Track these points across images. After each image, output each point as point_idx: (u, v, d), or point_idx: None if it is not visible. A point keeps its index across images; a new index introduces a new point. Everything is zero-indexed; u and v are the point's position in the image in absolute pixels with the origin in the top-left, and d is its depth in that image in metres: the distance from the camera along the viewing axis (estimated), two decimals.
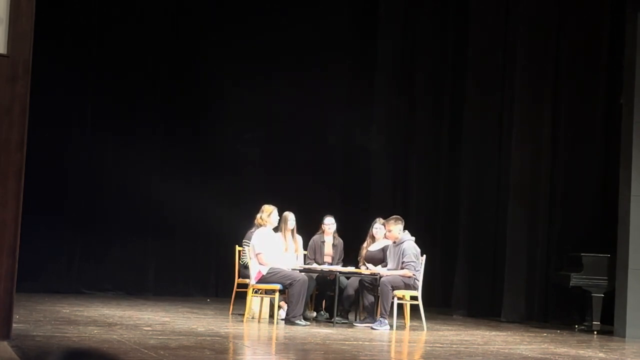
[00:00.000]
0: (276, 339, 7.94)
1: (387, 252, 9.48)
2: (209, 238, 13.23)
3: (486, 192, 11.96)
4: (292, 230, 9.85)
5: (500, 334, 9.25)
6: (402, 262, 9.17)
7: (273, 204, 9.40)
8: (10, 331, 6.00)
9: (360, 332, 8.61)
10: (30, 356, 5.39)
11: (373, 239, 9.85)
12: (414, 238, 9.39)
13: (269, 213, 9.27)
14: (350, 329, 8.89)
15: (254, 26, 13.45)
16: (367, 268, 9.59)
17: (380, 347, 7.63)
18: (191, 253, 13.17)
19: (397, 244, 9.32)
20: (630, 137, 9.69)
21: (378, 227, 9.79)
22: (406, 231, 9.39)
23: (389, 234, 9.38)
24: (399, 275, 9.12)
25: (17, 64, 6.00)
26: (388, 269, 9.31)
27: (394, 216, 9.52)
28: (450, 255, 12.33)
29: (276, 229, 9.49)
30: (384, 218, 9.81)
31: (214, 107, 13.33)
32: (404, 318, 9.49)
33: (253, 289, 9.22)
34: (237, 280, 9.94)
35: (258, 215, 9.37)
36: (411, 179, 13.44)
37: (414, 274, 9.17)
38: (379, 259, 9.63)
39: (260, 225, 9.27)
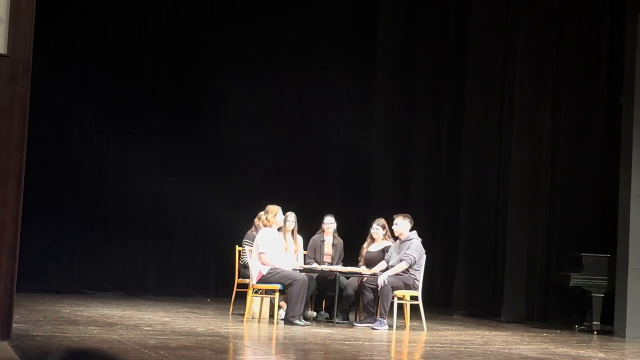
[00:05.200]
0: (276, 339, 7.94)
1: (390, 250, 9.47)
2: (209, 238, 13.25)
3: (486, 192, 11.96)
4: (293, 231, 9.85)
5: (500, 334, 9.24)
6: (405, 254, 9.16)
7: (274, 204, 9.38)
8: (10, 331, 6.00)
9: (360, 332, 8.60)
10: (30, 356, 5.39)
11: (373, 239, 9.85)
12: (421, 239, 9.38)
13: (274, 214, 9.21)
14: (350, 329, 8.89)
15: (254, 27, 13.46)
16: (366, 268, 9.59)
17: (380, 347, 7.63)
18: (191, 253, 13.18)
19: (403, 240, 9.33)
20: (630, 137, 9.68)
21: (376, 228, 9.78)
22: (414, 231, 9.40)
23: (395, 227, 9.40)
24: (397, 274, 9.10)
25: (17, 64, 6.01)
26: (390, 265, 9.30)
27: (405, 213, 9.54)
28: (450, 255, 12.33)
29: (279, 229, 9.46)
30: (385, 218, 9.83)
31: (214, 108, 13.35)
32: (404, 318, 9.49)
33: (253, 289, 9.22)
34: (237, 280, 9.94)
35: (263, 217, 9.29)
36: (411, 179, 13.44)
37: (410, 264, 9.12)
38: (379, 259, 9.62)
39: (264, 226, 9.22)
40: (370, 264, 9.68)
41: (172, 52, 13.24)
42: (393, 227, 9.48)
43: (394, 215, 9.54)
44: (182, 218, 13.05)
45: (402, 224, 9.36)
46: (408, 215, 9.52)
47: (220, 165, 13.39)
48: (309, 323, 9.07)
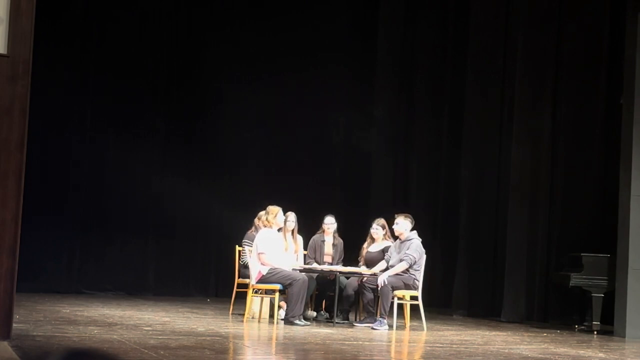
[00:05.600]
0: (276, 339, 7.94)
1: (390, 249, 9.46)
2: (209, 238, 13.24)
3: (486, 192, 11.96)
4: (293, 231, 9.84)
5: (500, 334, 9.24)
6: (405, 254, 9.15)
7: (273, 204, 9.37)
8: (10, 331, 6.00)
9: (360, 332, 8.60)
10: (30, 356, 5.39)
11: (373, 239, 9.85)
12: (421, 239, 9.38)
13: (274, 214, 9.20)
14: (350, 329, 8.89)
15: (254, 27, 13.46)
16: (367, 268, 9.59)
17: (380, 347, 7.63)
18: (191, 253, 13.18)
19: (403, 240, 9.33)
20: (630, 137, 9.68)
21: (376, 228, 9.78)
22: (414, 231, 9.40)
23: (395, 227, 9.40)
24: (397, 274, 9.10)
25: (17, 64, 6.01)
26: (390, 265, 9.30)
27: (406, 213, 9.54)
28: (450, 255, 12.33)
29: (279, 230, 9.45)
30: (385, 218, 9.83)
31: (214, 108, 13.35)
32: (404, 318, 9.49)
33: (253, 289, 9.22)
34: (237, 280, 9.94)
35: (263, 217, 9.28)
36: (411, 179, 13.44)
37: (410, 264, 9.12)
38: (379, 259, 9.62)
39: (264, 226, 9.21)
40: (370, 264, 9.68)
41: (172, 52, 13.24)
42: (394, 227, 9.48)
43: (395, 215, 9.54)
44: (182, 218, 13.04)
45: (403, 224, 9.36)
46: (409, 215, 9.52)
47: (220, 165, 13.39)
48: (309, 323, 9.07)
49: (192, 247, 13.18)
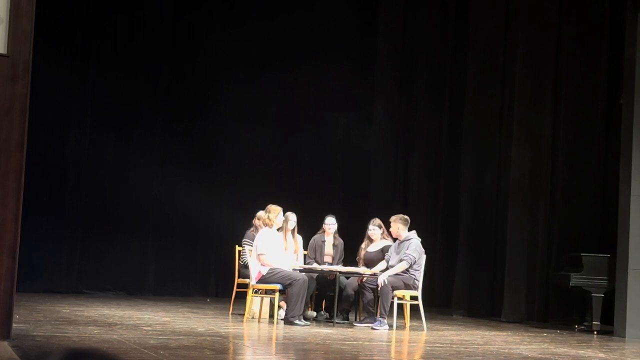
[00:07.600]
0: (276, 339, 7.93)
1: (390, 249, 9.46)
2: (209, 238, 13.25)
3: (486, 192, 11.96)
4: (293, 230, 9.84)
5: (500, 334, 9.24)
6: (404, 254, 9.15)
7: (274, 204, 9.35)
8: (10, 331, 6.00)
9: (360, 332, 8.60)
10: (30, 356, 5.39)
11: (371, 240, 9.85)
12: (420, 239, 9.38)
13: (276, 214, 9.18)
14: (350, 329, 8.88)
15: (254, 27, 13.46)
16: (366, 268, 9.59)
17: (380, 347, 7.63)
18: (191, 253, 13.18)
19: (402, 240, 9.33)
20: (630, 137, 9.68)
21: (372, 229, 9.78)
22: (413, 231, 9.40)
23: (391, 229, 9.41)
24: (397, 274, 9.10)
25: (17, 64, 6.01)
26: (390, 265, 9.30)
27: (402, 215, 9.54)
28: (451, 255, 12.33)
29: (278, 229, 9.45)
30: (384, 218, 9.83)
31: (214, 108, 13.36)
32: (404, 318, 9.49)
33: (253, 289, 9.22)
34: (237, 280, 9.94)
35: (264, 215, 9.25)
36: (411, 179, 13.45)
37: (410, 264, 9.12)
38: (379, 259, 9.62)
39: (265, 225, 9.20)
40: (369, 264, 9.68)
41: (172, 52, 13.23)
42: (390, 229, 9.50)
43: (394, 216, 9.54)
44: (182, 218, 13.04)
45: (394, 227, 9.38)
46: (402, 216, 9.48)
47: (220, 165, 13.39)
48: (309, 323, 9.07)
49: (192, 247, 13.18)
